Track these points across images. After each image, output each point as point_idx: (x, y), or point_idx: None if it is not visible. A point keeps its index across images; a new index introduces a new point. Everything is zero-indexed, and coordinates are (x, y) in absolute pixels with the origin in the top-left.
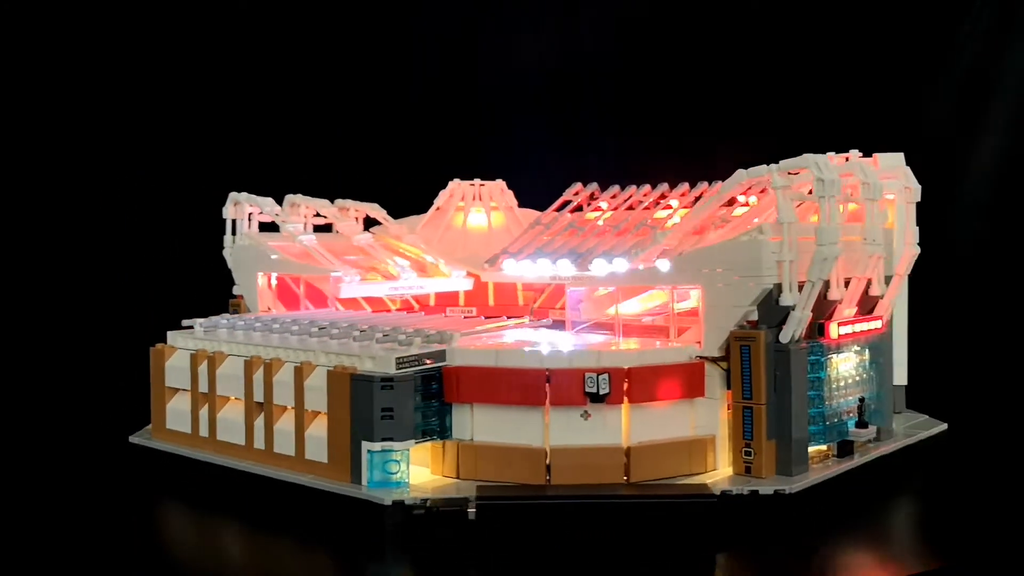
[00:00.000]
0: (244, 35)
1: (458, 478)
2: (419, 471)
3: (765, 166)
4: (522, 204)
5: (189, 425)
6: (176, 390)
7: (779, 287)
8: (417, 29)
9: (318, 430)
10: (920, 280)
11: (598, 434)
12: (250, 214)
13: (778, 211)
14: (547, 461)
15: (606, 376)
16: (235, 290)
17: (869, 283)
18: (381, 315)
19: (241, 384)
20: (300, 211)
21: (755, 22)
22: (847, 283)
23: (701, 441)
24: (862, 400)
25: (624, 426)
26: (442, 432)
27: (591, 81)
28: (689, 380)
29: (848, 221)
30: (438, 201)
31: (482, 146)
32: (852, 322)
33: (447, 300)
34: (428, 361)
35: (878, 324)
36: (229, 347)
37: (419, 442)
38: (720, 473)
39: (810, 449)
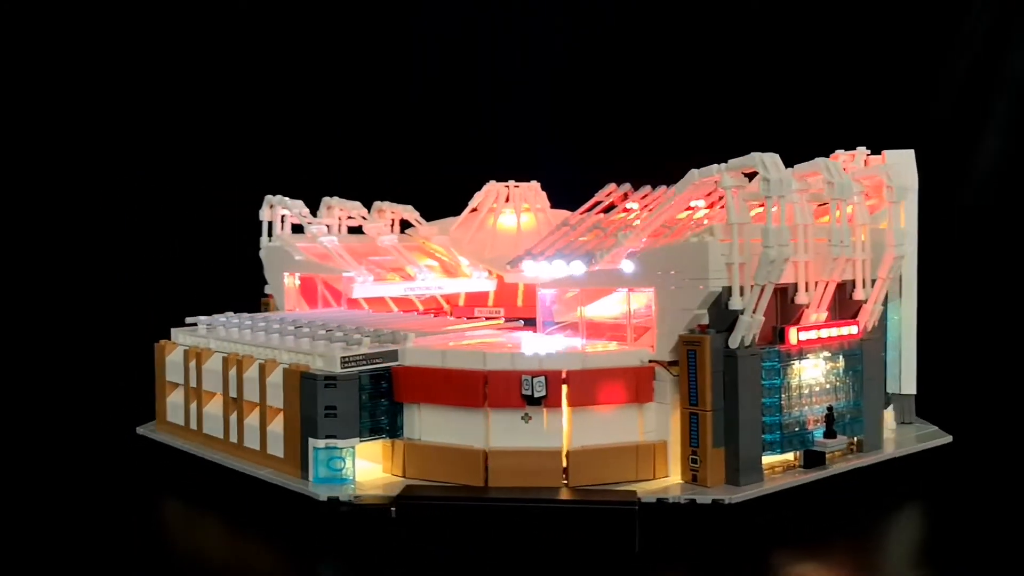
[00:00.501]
0: (242, 36)
1: (404, 477)
2: (375, 469)
3: (716, 165)
4: (554, 205)
5: (183, 418)
6: (176, 385)
7: (729, 290)
8: (417, 29)
9: (277, 426)
10: (940, 285)
11: (538, 437)
12: (283, 216)
13: (727, 211)
14: (486, 463)
15: (542, 379)
16: (266, 289)
17: (853, 287)
18: (373, 315)
19: (220, 380)
20: (335, 213)
21: (757, 23)
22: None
23: (648, 447)
24: (830, 409)
25: (566, 430)
26: (392, 431)
27: (594, 80)
28: (635, 384)
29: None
30: (473, 202)
31: (482, 146)
32: (817, 327)
33: (476, 301)
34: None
35: (853, 330)
36: (215, 344)
37: (364, 440)
38: (670, 480)
39: (774, 459)
